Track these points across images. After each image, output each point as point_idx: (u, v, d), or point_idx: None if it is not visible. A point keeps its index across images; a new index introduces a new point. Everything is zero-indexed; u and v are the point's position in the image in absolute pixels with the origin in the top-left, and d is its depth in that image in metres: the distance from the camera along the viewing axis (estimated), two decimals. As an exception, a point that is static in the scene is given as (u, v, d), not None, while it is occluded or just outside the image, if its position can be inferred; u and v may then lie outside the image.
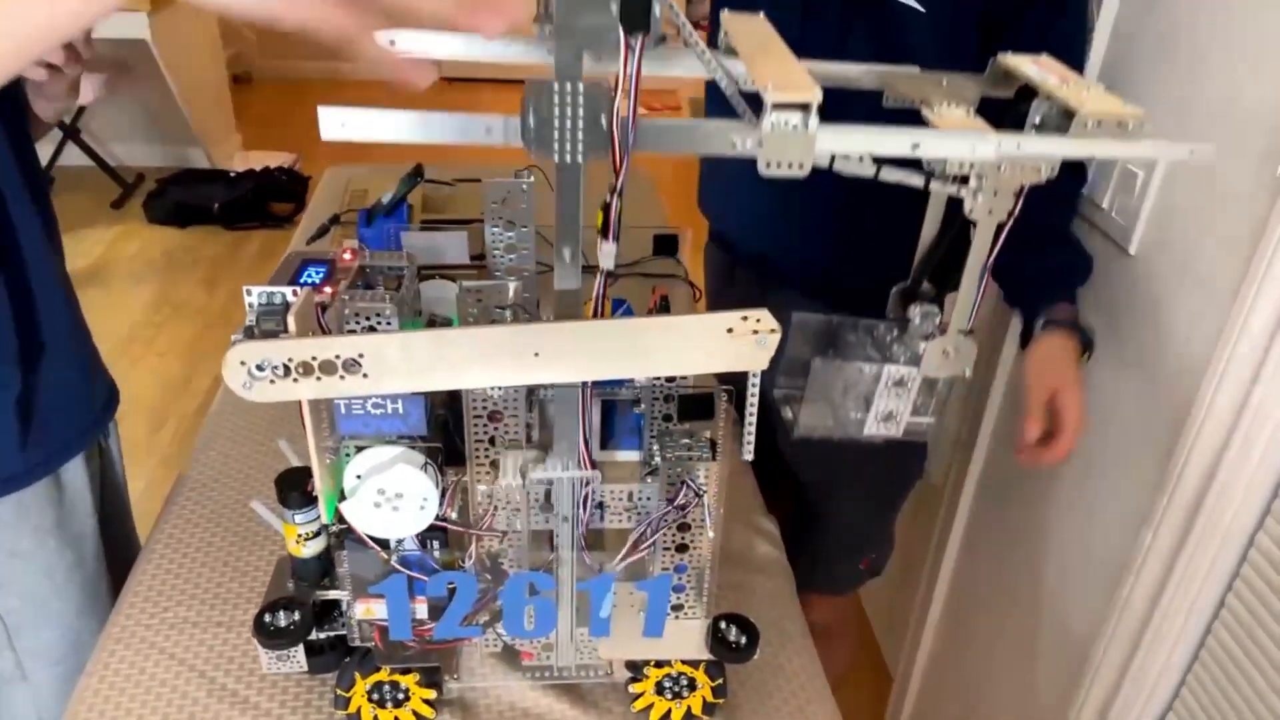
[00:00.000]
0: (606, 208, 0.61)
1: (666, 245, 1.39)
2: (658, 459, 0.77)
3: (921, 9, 0.98)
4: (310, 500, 0.76)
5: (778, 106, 0.56)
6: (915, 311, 0.74)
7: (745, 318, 0.64)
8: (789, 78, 0.59)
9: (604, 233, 0.62)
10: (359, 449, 0.70)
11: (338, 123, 0.59)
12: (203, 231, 3.44)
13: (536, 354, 0.63)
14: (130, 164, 3.79)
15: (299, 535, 0.78)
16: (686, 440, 0.77)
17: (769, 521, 1.09)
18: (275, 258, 3.18)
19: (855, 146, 0.59)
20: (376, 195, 1.62)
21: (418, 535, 0.73)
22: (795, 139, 0.57)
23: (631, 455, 0.84)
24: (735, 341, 0.64)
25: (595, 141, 0.58)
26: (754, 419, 0.70)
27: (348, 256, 0.78)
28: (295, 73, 5.04)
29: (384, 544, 0.73)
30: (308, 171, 3.78)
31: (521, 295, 0.73)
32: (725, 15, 0.70)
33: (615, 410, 0.82)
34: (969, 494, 1.48)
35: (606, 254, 0.63)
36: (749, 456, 0.71)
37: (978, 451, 1.43)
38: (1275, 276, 0.84)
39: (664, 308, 1.07)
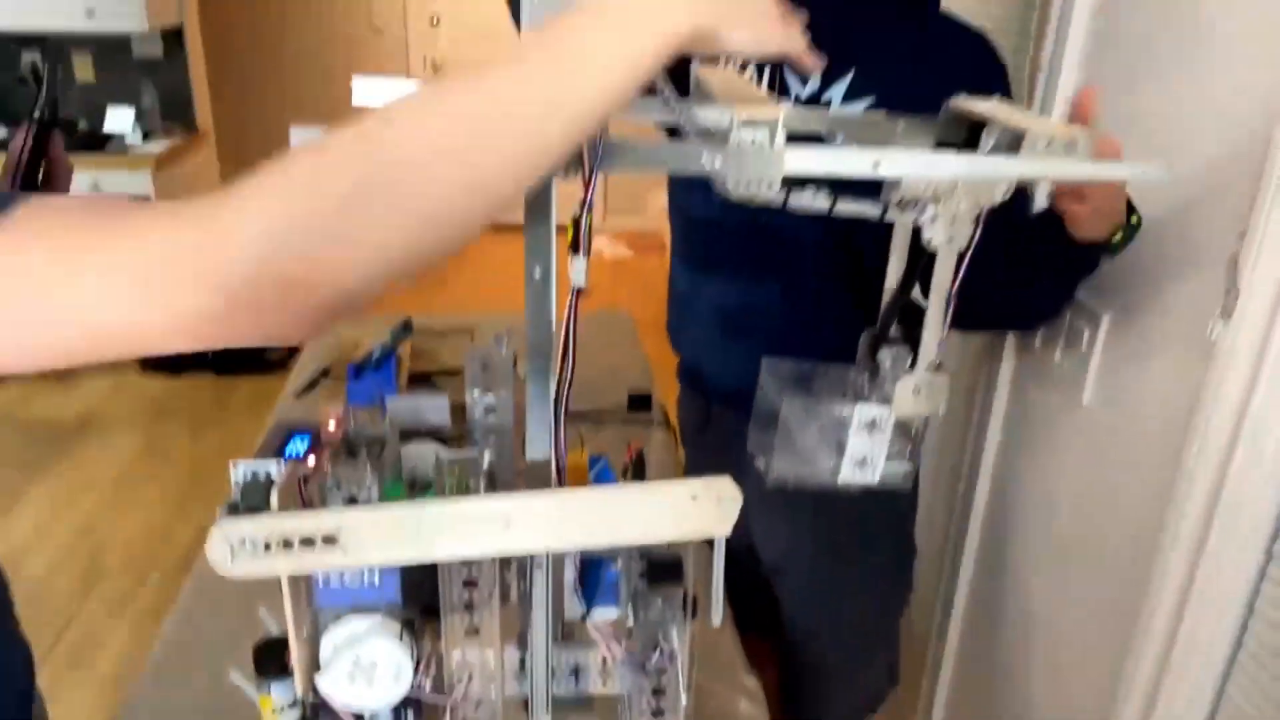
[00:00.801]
0: (576, 223, 0.62)
1: (641, 404, 1.44)
2: (631, 622, 0.78)
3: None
4: (287, 671, 0.76)
5: (745, 124, 0.60)
6: (885, 355, 0.74)
7: (708, 485, 0.67)
8: (754, 101, 0.63)
9: (574, 247, 0.63)
10: (336, 619, 0.71)
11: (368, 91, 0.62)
12: (194, 378, 3.49)
13: (508, 525, 0.66)
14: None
15: (275, 708, 0.78)
16: (659, 602, 0.79)
17: (751, 679, 1.08)
18: (263, 405, 3.21)
19: (821, 165, 0.62)
20: (367, 346, 1.67)
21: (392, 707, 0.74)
22: (762, 155, 0.61)
23: (610, 613, 0.85)
24: (699, 508, 0.67)
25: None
26: (720, 584, 0.72)
27: (332, 426, 0.81)
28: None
29: (360, 716, 0.73)
30: (301, 317, 3.87)
31: (496, 465, 0.76)
32: (696, 66, 0.74)
33: (594, 568, 0.84)
34: (958, 616, 1.47)
35: (577, 269, 0.64)
36: (717, 622, 0.72)
37: (964, 562, 1.44)
38: (1214, 436, 0.88)
39: (639, 463, 1.10)
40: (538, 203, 0.63)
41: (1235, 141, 0.88)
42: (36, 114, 0.62)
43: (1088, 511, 1.12)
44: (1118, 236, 0.96)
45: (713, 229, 1.19)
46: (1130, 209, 0.96)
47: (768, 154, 0.61)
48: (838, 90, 1.08)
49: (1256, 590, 0.90)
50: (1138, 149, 1.02)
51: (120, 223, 0.44)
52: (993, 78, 1.07)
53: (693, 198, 1.23)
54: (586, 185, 0.62)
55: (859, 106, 1.06)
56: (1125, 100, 1.05)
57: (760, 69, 1.11)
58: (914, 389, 0.73)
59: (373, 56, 5.09)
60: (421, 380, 1.59)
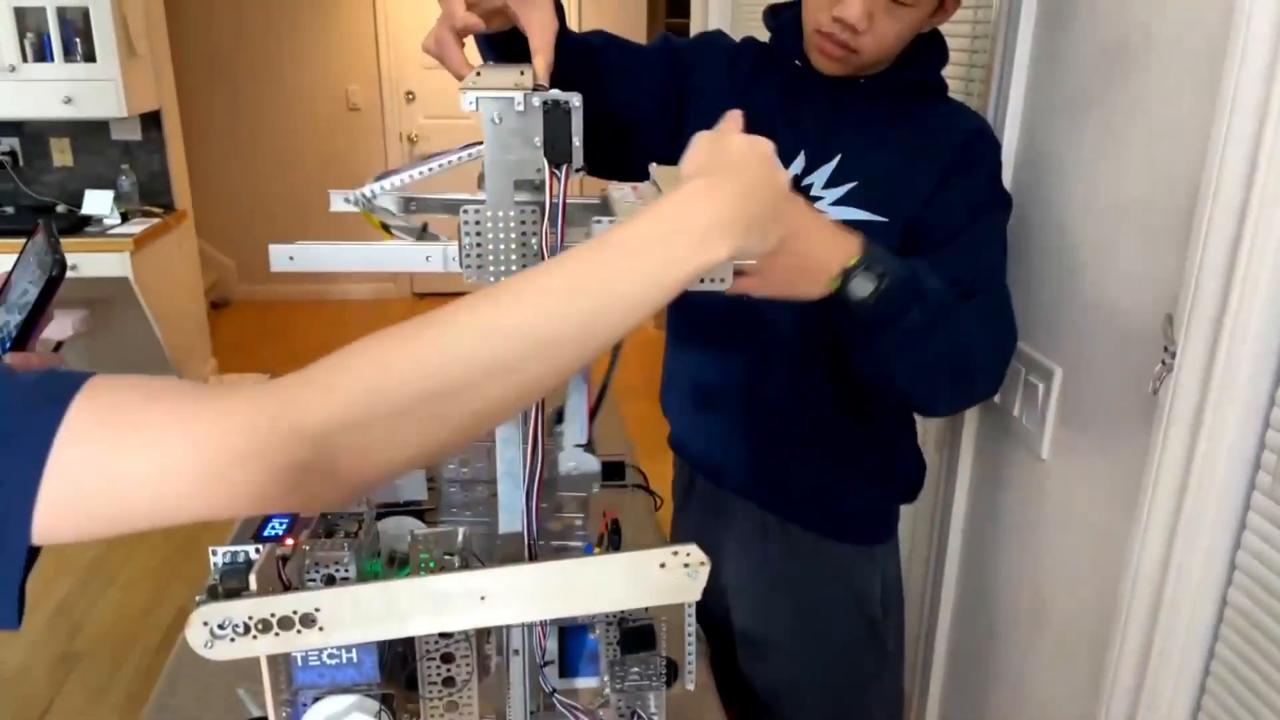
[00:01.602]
0: None
1: (614, 471, 1.46)
2: (607, 690, 0.79)
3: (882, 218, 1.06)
4: (268, 753, 0.77)
5: None
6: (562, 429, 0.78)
7: (675, 552, 0.69)
8: None
9: None
10: (315, 699, 0.72)
11: (285, 256, 0.65)
12: (174, 456, 3.47)
13: (483, 598, 0.68)
14: (105, 393, 3.86)
15: (255, 789, 0.78)
16: (636, 669, 0.80)
17: (732, 740, 1.09)
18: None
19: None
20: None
21: (373, 784, 0.74)
22: None
23: (590, 682, 0.86)
24: (667, 575, 0.69)
25: (528, 263, 0.65)
26: (694, 648, 0.73)
27: (309, 506, 0.83)
28: (272, 295, 5.26)
29: (339, 795, 0.74)
30: (281, 391, 3.87)
31: (471, 537, 0.78)
32: (653, 166, 0.79)
33: (575, 637, 0.85)
34: (938, 676, 1.48)
35: None
36: (691, 686, 0.74)
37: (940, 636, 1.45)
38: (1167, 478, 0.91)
39: (614, 530, 1.12)
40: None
41: (1168, 198, 0.93)
42: (54, 271, 0.65)
43: (1054, 565, 1.14)
44: (834, 284, 0.88)
45: (693, 304, 1.21)
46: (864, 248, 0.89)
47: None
48: (821, 175, 1.09)
49: (1212, 650, 0.92)
50: (1083, 202, 1.07)
51: (179, 404, 0.48)
52: (974, 166, 1.07)
53: None
54: None
55: (840, 191, 1.08)
56: (1067, 153, 1.11)
57: None
58: (570, 466, 0.78)
59: (350, 134, 5.18)
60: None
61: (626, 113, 1.15)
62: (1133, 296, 0.98)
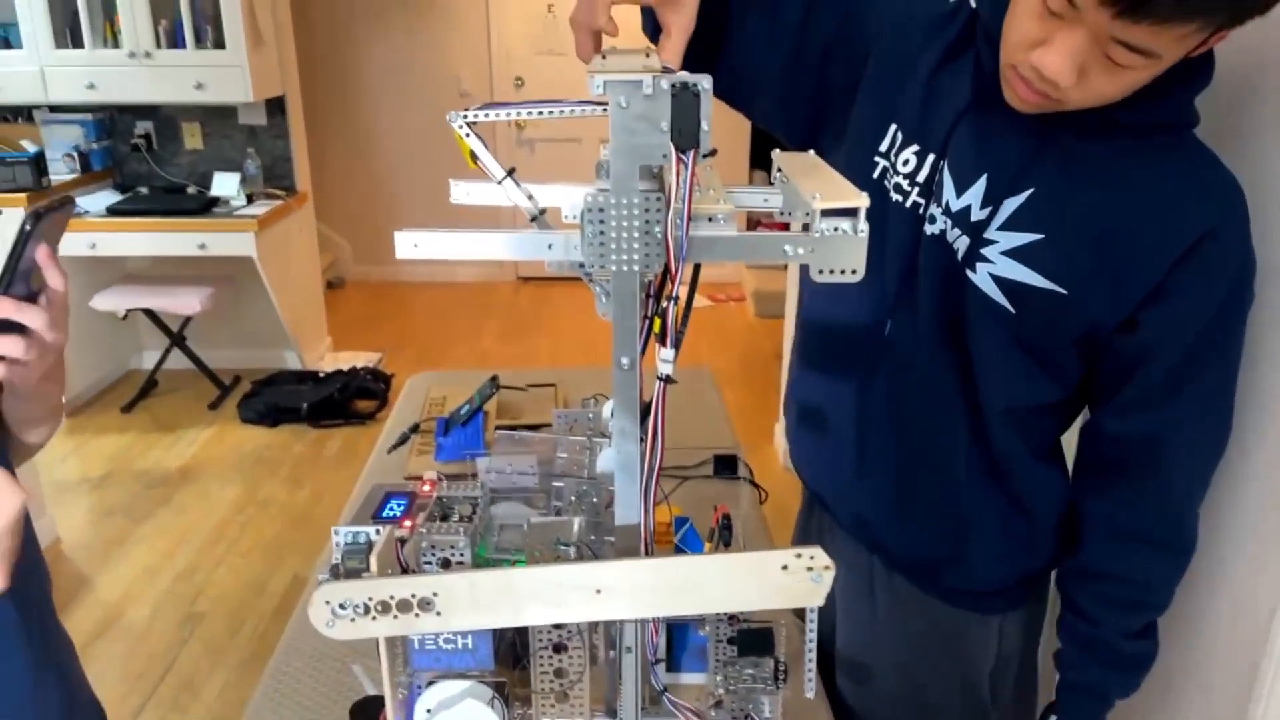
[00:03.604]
0: (663, 313, 0.65)
1: (727, 465, 1.44)
2: (720, 690, 0.77)
3: (1011, 309, 0.88)
4: (382, 731, 0.77)
5: (826, 214, 0.60)
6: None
7: (799, 555, 0.66)
8: (836, 188, 0.63)
9: (661, 339, 0.66)
10: (430, 683, 0.72)
11: (410, 244, 0.65)
12: (290, 430, 3.61)
13: (598, 591, 0.66)
14: (229, 367, 4.05)
15: (369, 766, 0.79)
16: (750, 671, 0.78)
17: (842, 746, 1.05)
18: (356, 455, 3.31)
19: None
20: (454, 403, 1.71)
21: (484, 770, 0.74)
22: (845, 244, 0.61)
23: (697, 678, 0.84)
24: (789, 578, 0.66)
25: (650, 251, 0.63)
26: (814, 654, 0.70)
27: (427, 488, 0.83)
28: (384, 276, 5.42)
29: (451, 779, 0.74)
30: (391, 369, 3.99)
31: (585, 533, 0.77)
32: (776, 153, 0.74)
33: (680, 632, 0.83)
34: None
35: (665, 359, 0.66)
36: (811, 694, 0.71)
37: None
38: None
39: (725, 526, 1.09)
40: (624, 294, 0.65)
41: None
42: (27, 224, 0.71)
43: (1211, 584, 1.06)
44: None
45: (824, 326, 1.11)
46: None
47: (852, 241, 0.61)
48: (1002, 212, 0.86)
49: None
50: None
51: None
52: (1216, 275, 0.82)
53: (805, 291, 1.17)
54: (672, 278, 0.64)
55: (1018, 239, 0.86)
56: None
57: (921, 159, 0.92)
58: None
59: (460, 118, 5.27)
60: (506, 431, 1.63)
61: (751, 59, 0.98)
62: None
